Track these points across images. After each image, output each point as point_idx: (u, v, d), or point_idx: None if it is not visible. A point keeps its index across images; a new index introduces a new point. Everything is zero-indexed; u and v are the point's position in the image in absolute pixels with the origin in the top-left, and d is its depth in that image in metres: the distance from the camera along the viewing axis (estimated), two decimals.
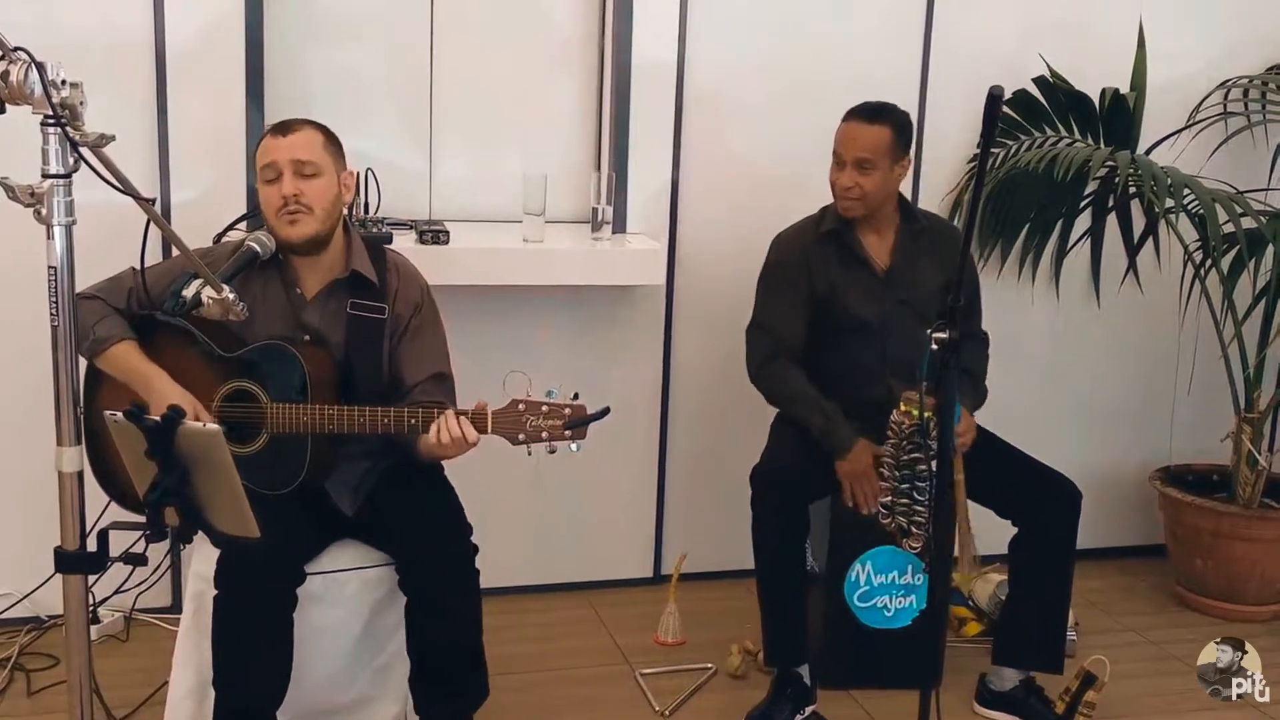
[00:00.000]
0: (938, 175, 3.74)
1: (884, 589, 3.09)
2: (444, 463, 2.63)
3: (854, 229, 3.05)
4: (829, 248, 3.05)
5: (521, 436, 2.39)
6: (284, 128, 2.55)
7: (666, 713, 3.01)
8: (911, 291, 3.02)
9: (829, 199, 3.14)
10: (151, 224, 1.92)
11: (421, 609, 2.52)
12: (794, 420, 3.05)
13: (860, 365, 3.03)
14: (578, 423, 2.38)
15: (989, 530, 3.16)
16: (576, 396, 2.40)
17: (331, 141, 2.59)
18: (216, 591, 2.39)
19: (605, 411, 2.37)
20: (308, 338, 2.57)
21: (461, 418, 2.40)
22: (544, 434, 2.38)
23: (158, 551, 1.96)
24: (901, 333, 3.00)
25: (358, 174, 3.11)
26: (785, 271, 3.08)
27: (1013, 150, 3.66)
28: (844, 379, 3.03)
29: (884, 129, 2.96)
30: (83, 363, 2.47)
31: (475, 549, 2.54)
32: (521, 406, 2.38)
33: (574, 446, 2.40)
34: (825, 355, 3.08)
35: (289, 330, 2.56)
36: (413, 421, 2.43)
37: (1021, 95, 3.63)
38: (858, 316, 3.03)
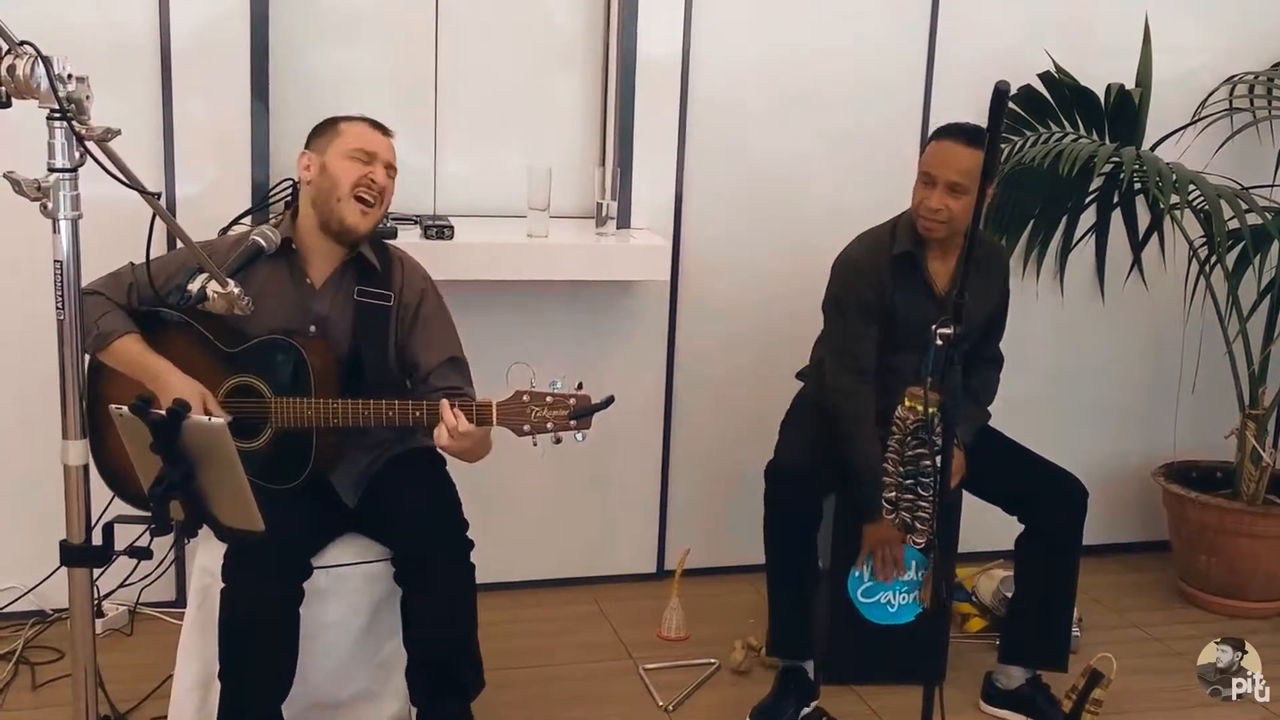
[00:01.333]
0: None
1: (888, 585, 3.09)
2: (447, 456, 2.63)
3: (925, 252, 2.97)
4: (899, 268, 2.97)
5: (526, 428, 2.38)
6: (384, 129, 2.65)
7: (670, 708, 3.01)
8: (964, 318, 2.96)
9: (833, 195, 3.13)
10: (157, 218, 1.92)
11: (417, 603, 2.52)
12: (843, 455, 3.00)
13: (899, 377, 3.00)
14: (582, 413, 2.37)
15: (993, 526, 3.17)
16: (580, 387, 2.39)
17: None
18: (223, 585, 2.40)
19: (609, 401, 2.37)
20: (313, 328, 2.57)
21: (456, 409, 2.38)
22: (549, 425, 2.37)
23: (163, 545, 1.96)
24: None
25: None
26: (862, 296, 2.96)
27: (1018, 146, 3.65)
28: (884, 384, 2.98)
29: (981, 153, 2.77)
30: (88, 356, 2.47)
31: (470, 544, 2.55)
32: (526, 398, 2.37)
33: (579, 437, 2.39)
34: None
35: (297, 320, 2.57)
36: (417, 414, 2.43)
37: (1027, 91, 3.63)
38: (909, 336, 2.98)
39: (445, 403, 2.39)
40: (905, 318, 2.97)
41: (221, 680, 2.42)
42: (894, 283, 2.97)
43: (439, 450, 2.48)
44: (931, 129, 3.63)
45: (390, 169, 2.61)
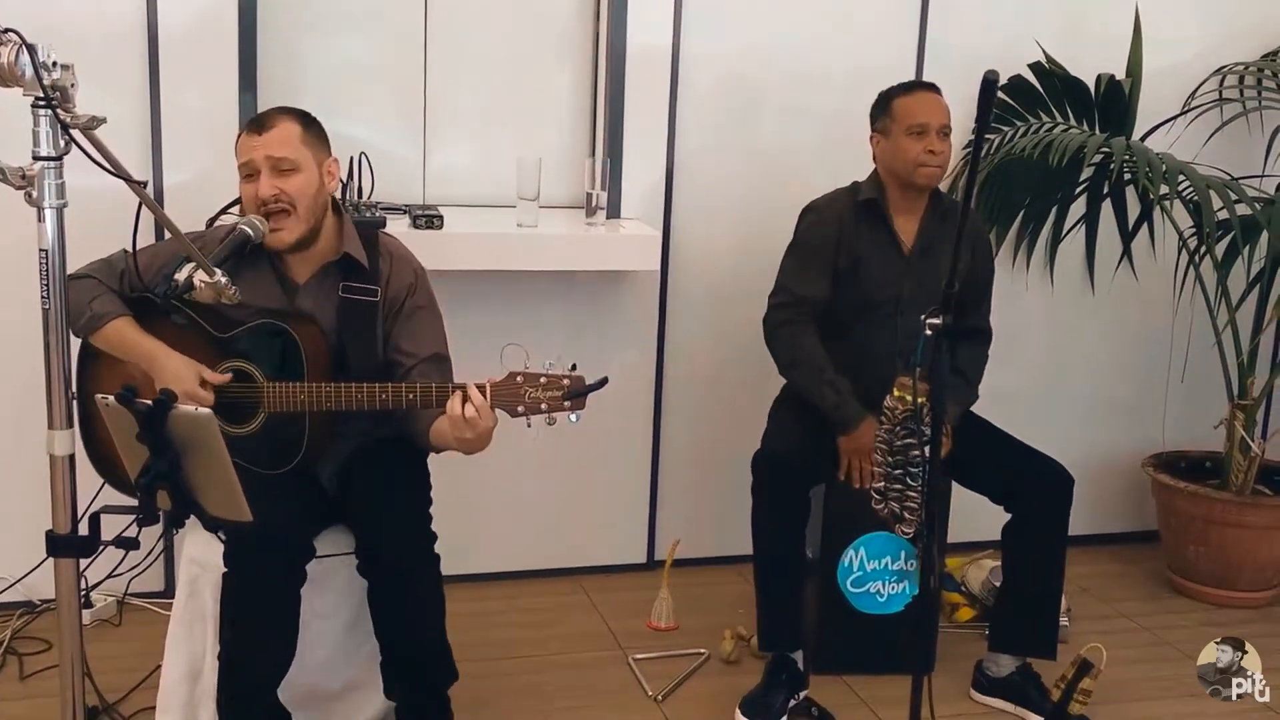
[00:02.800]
0: None
1: (877, 574, 3.10)
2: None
3: (889, 203, 3.05)
4: (862, 219, 3.04)
5: (521, 409, 2.37)
6: (259, 124, 2.50)
7: (659, 698, 3.02)
8: (933, 275, 2.99)
9: (824, 185, 3.13)
10: (143, 207, 1.91)
11: (381, 596, 2.51)
12: (800, 391, 3.04)
13: (871, 348, 3.02)
14: (577, 393, 2.36)
15: (981, 516, 3.17)
16: (574, 368, 2.38)
17: (310, 130, 2.54)
18: (226, 569, 2.38)
19: (604, 381, 2.36)
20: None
21: (469, 390, 2.34)
22: (543, 405, 2.36)
23: (150, 535, 1.95)
24: (915, 316, 2.98)
25: (351, 159, 3.11)
26: (816, 243, 3.07)
27: (1008, 136, 3.66)
28: (854, 361, 3.02)
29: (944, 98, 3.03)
30: (74, 346, 2.46)
31: (433, 536, 2.52)
32: (519, 379, 2.36)
33: (573, 417, 2.38)
34: (838, 335, 3.06)
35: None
36: (410, 397, 2.42)
37: (1017, 81, 3.63)
38: (876, 294, 3.02)
39: (471, 385, 2.35)
40: (870, 273, 3.01)
41: (221, 662, 2.41)
42: (857, 229, 3.03)
43: (441, 438, 2.46)
44: None
45: (276, 162, 2.45)
